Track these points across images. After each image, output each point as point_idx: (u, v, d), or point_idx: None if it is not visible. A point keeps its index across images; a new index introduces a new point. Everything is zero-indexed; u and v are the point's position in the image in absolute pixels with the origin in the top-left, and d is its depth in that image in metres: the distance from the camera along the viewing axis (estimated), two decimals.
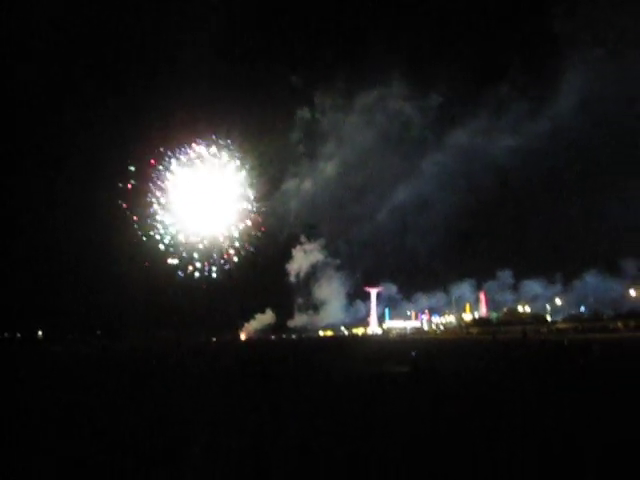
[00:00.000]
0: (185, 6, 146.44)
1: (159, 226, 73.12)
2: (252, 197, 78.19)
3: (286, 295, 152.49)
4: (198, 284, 76.66)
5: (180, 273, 75.35)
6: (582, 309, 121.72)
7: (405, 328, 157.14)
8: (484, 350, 43.77)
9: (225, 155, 75.49)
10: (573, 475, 8.10)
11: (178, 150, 72.93)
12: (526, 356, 33.37)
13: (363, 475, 8.47)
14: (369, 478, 8.36)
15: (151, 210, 72.65)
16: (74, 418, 14.18)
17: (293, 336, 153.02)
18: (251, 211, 77.65)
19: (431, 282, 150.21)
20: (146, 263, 72.48)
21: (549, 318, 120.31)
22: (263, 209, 79.12)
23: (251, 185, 77.53)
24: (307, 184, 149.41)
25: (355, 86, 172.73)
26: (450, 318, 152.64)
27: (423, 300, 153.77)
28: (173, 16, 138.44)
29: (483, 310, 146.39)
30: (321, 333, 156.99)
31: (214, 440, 10.91)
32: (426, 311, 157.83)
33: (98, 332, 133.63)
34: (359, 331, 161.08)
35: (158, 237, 73.15)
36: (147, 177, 72.41)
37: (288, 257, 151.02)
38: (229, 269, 78.34)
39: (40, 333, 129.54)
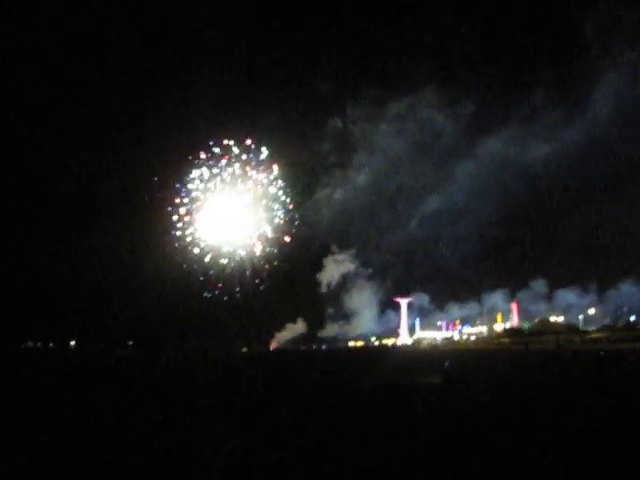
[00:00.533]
0: (218, 14, 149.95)
1: (195, 236, 75.18)
2: (285, 207, 79.16)
3: (317, 305, 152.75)
4: (232, 293, 77.87)
5: (212, 284, 76.77)
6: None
7: (435, 339, 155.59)
8: (517, 361, 43.12)
9: (259, 166, 77.15)
10: None
11: (210, 161, 74.85)
12: (562, 367, 32.85)
13: None
14: None
15: (186, 220, 74.64)
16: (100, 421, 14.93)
17: (323, 347, 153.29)
18: (283, 221, 78.63)
19: (463, 292, 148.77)
20: (184, 267, 74.04)
21: (582, 328, 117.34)
22: (295, 219, 79.80)
23: (285, 195, 78.66)
24: (338, 194, 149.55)
25: (386, 95, 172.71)
26: (481, 328, 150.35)
27: (455, 310, 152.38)
28: (208, 23, 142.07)
29: (515, 320, 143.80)
30: (351, 343, 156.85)
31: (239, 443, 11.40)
32: (457, 321, 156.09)
33: (130, 342, 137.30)
34: (389, 342, 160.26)
35: (195, 249, 75.05)
36: (178, 190, 74.40)
37: (319, 267, 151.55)
38: (261, 279, 79.25)
39: (72, 343, 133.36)
